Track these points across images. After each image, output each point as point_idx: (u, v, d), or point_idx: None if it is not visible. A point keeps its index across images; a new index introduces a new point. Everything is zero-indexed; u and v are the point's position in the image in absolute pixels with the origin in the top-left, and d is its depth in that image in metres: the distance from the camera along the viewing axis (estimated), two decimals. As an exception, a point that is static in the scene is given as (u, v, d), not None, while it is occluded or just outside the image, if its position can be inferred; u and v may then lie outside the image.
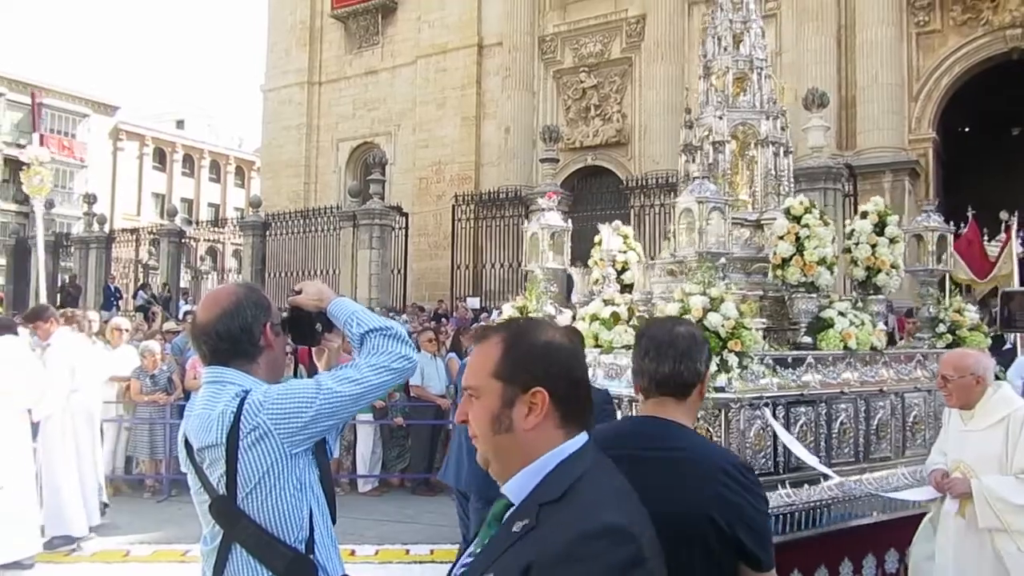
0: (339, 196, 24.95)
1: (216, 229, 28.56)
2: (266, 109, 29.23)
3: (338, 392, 2.22)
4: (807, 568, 4.06)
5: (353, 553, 6.89)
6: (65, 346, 7.42)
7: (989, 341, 6.04)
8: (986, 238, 14.67)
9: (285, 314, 2.46)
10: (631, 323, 4.95)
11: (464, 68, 24.58)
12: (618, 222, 6.44)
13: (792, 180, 5.91)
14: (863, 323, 4.83)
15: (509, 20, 23.48)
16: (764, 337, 4.74)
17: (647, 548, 1.48)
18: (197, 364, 2.08)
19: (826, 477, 4.25)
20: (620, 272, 6.14)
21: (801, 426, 4.33)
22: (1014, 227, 13.06)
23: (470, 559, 1.67)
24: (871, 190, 15.58)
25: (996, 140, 21.84)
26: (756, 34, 5.76)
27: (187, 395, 9.32)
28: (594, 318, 5.08)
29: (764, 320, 4.81)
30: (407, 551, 7.25)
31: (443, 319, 16.59)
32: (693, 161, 5.74)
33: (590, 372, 4.98)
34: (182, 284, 24.39)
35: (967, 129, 21.59)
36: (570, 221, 6.34)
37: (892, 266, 5.25)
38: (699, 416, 3.80)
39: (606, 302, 5.17)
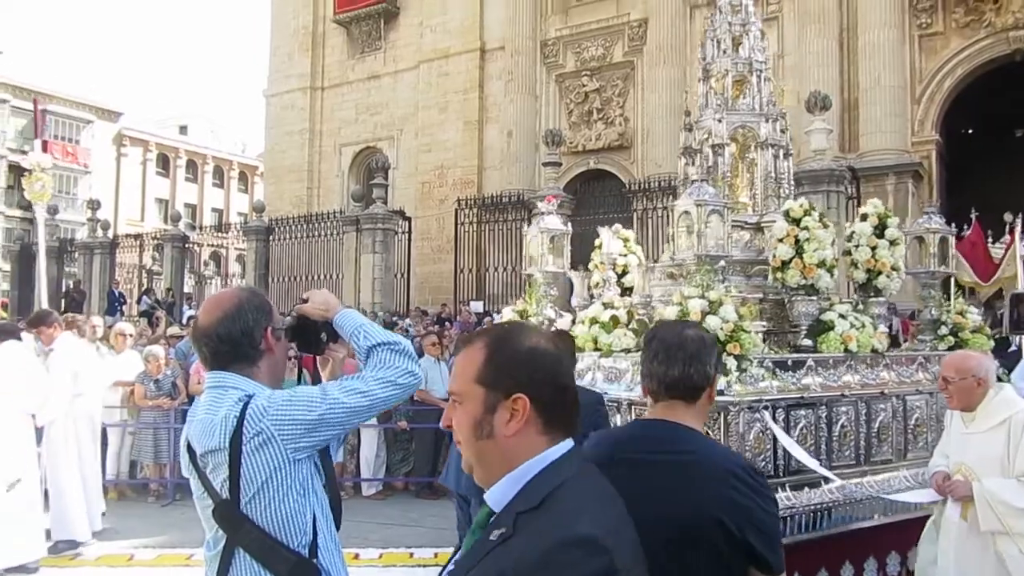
0: (342, 201, 24.98)
1: (220, 234, 28.64)
2: (269, 114, 29.29)
3: (343, 403, 2.22)
4: (808, 571, 4.05)
5: (357, 557, 6.90)
6: (68, 351, 7.44)
7: (992, 343, 6.03)
8: (990, 240, 14.65)
9: (291, 321, 2.46)
10: (630, 326, 4.94)
11: (466, 72, 24.61)
12: (618, 225, 6.44)
13: (792, 182, 5.90)
14: (864, 325, 4.82)
15: (511, 24, 23.50)
16: (764, 340, 4.73)
17: (621, 559, 1.46)
18: (201, 369, 2.09)
19: (827, 480, 4.24)
20: (620, 275, 6.14)
21: (801, 429, 4.32)
22: (1018, 229, 13.02)
23: (452, 566, 1.66)
24: (874, 193, 15.55)
25: (999, 142, 21.81)
26: (755, 37, 5.75)
27: (191, 399, 9.35)
28: (593, 321, 5.07)
29: (764, 323, 4.80)
30: (411, 555, 7.26)
31: (446, 323, 16.60)
32: (693, 164, 5.73)
33: (589, 375, 5.05)
34: (186, 289, 24.44)
35: (970, 131, 21.56)
36: (570, 224, 6.35)
37: (893, 268, 5.24)
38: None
39: (605, 305, 5.16)
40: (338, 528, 2.38)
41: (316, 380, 2.63)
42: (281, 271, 21.75)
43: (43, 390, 6.85)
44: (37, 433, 7.00)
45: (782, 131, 5.77)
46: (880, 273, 5.21)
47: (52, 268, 25.30)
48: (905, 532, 4.37)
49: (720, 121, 5.55)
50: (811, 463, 4.09)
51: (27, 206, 33.47)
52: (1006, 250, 13.52)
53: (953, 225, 6.58)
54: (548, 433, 1.60)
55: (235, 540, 2.18)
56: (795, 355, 4.66)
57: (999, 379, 5.29)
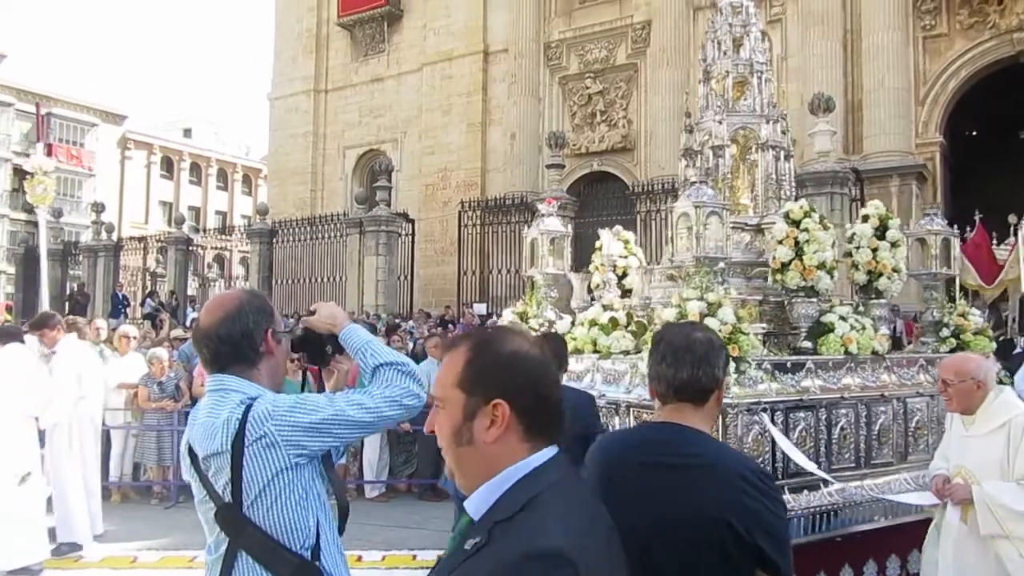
0: (346, 203, 25.01)
1: (223, 237, 28.65)
2: (273, 117, 29.34)
3: (348, 415, 2.23)
4: (807, 574, 4.03)
5: (360, 559, 6.89)
6: (71, 354, 7.46)
7: (994, 345, 6.01)
8: (995, 242, 14.62)
9: (298, 333, 2.48)
10: (629, 328, 4.94)
11: (470, 75, 24.64)
12: (619, 227, 6.43)
13: (794, 184, 5.88)
14: (864, 328, 4.80)
15: (514, 27, 23.52)
16: (764, 342, 4.72)
17: (589, 571, 1.42)
18: (205, 371, 2.11)
19: (826, 483, 4.22)
20: (621, 277, 6.13)
21: (800, 431, 4.30)
22: (1022, 230, 13.01)
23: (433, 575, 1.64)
24: (878, 194, 15.53)
25: (1003, 144, 21.74)
26: (756, 38, 5.74)
27: (194, 402, 9.35)
28: (592, 323, 5.06)
29: (764, 325, 4.79)
30: (414, 557, 7.25)
31: (450, 325, 16.59)
32: (693, 166, 5.72)
33: (588, 377, 5.04)
34: (189, 292, 24.47)
35: (974, 133, 21.52)
36: (570, 226, 6.34)
37: (894, 270, 5.22)
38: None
39: (604, 307, 5.16)
40: (342, 533, 2.39)
41: (321, 383, 2.64)
42: (285, 273, 21.79)
43: (46, 392, 6.86)
44: (40, 435, 7.02)
45: (783, 132, 5.75)
46: (881, 275, 5.19)
47: (56, 271, 25.41)
48: (905, 535, 4.35)
49: (721, 123, 5.53)
50: (809, 466, 4.07)
51: (32, 209, 33.56)
52: (1010, 252, 13.49)
53: (955, 227, 6.56)
54: (529, 440, 1.56)
55: (237, 543, 2.17)
56: (794, 357, 4.64)
57: (1000, 381, 5.28)
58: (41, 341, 7.60)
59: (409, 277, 21.05)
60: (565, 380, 5.01)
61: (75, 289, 24.50)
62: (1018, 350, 10.89)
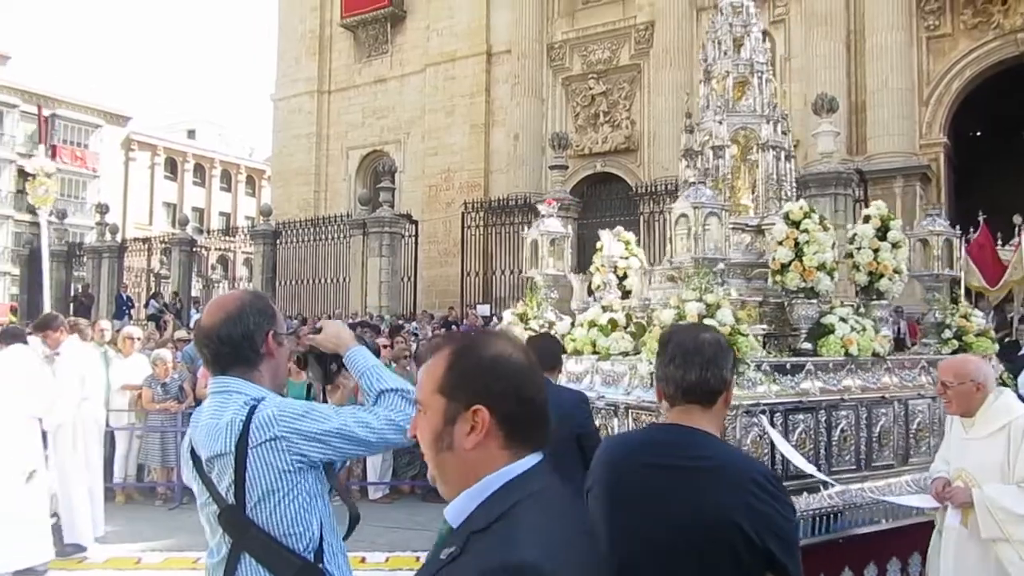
0: (349, 204, 25.04)
1: (227, 238, 28.73)
2: (276, 118, 29.40)
3: (352, 432, 2.24)
4: (807, 577, 4.02)
5: (364, 560, 6.89)
6: (74, 355, 7.48)
7: (996, 347, 5.98)
8: (999, 242, 14.58)
9: (302, 350, 2.50)
10: (628, 330, 4.93)
11: (473, 76, 24.66)
12: (620, 228, 6.41)
13: (794, 184, 5.85)
14: (865, 329, 4.78)
15: (518, 28, 23.54)
16: (764, 343, 4.71)
17: None
18: (208, 372, 2.12)
19: (826, 485, 4.21)
20: (622, 279, 6.12)
21: (800, 433, 4.28)
22: (1027, 231, 12.98)
23: None
24: (882, 195, 15.47)
25: (1008, 144, 21.70)
26: (756, 38, 5.71)
27: (198, 403, 9.36)
28: (592, 324, 5.06)
29: (764, 326, 4.77)
30: (417, 558, 7.23)
31: (453, 326, 16.59)
32: (694, 166, 5.71)
33: (588, 379, 5.03)
34: (193, 293, 24.50)
35: (979, 133, 21.46)
36: (570, 227, 6.33)
37: (895, 271, 5.20)
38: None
39: (604, 308, 5.15)
40: (347, 537, 2.39)
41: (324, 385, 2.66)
42: (288, 274, 21.82)
43: (49, 394, 6.88)
44: (43, 436, 7.04)
45: (783, 133, 5.73)
46: (882, 276, 5.17)
47: (61, 272, 25.47)
48: (906, 537, 4.32)
49: (721, 123, 5.50)
50: (808, 468, 4.05)
51: (36, 210, 33.68)
52: (1015, 253, 13.45)
53: (958, 228, 6.54)
54: (510, 448, 1.52)
55: (241, 545, 2.18)
56: (794, 359, 4.62)
57: (1004, 383, 5.26)
58: (44, 342, 7.62)
59: (412, 278, 21.07)
60: (563, 381, 5.02)
61: (79, 290, 24.56)
62: (1023, 352, 10.84)
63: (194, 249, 24.40)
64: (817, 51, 18.86)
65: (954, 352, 5.40)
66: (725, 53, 5.73)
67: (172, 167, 50.82)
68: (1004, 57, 18.07)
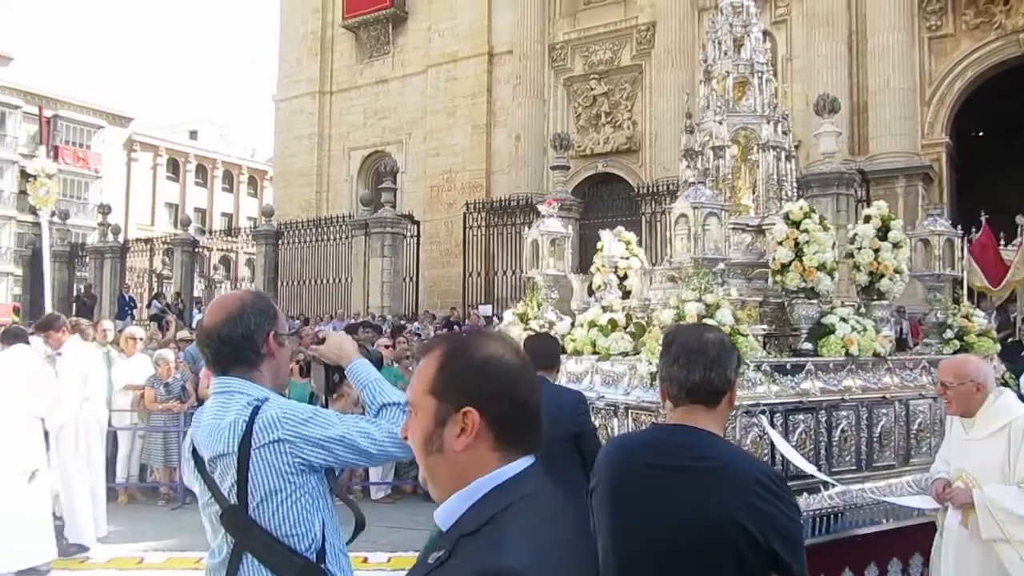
0: (351, 205, 25.04)
1: (229, 238, 28.73)
2: (278, 119, 29.42)
3: (355, 441, 2.24)
4: (807, 578, 4.01)
5: (366, 560, 6.89)
6: (76, 355, 7.49)
7: (998, 347, 5.97)
8: (1002, 242, 14.55)
9: (307, 359, 2.51)
10: (628, 330, 4.92)
11: (474, 76, 24.67)
12: (620, 228, 6.41)
13: (795, 184, 5.85)
14: (865, 329, 4.77)
15: (519, 28, 23.53)
16: (765, 343, 4.71)
17: None
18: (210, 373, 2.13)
19: (826, 485, 4.20)
20: (622, 279, 6.12)
21: (800, 434, 4.28)
22: (1029, 231, 12.96)
23: None
24: (884, 196, 15.47)
25: (1010, 144, 21.67)
26: (756, 38, 5.71)
27: (201, 403, 9.37)
28: (591, 325, 5.05)
29: (764, 326, 4.77)
30: (420, 559, 7.24)
31: (455, 327, 16.59)
32: (694, 167, 5.70)
33: (588, 379, 5.03)
34: (195, 293, 24.52)
35: (981, 134, 21.43)
36: (570, 227, 6.33)
37: (896, 271, 5.19)
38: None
39: (604, 309, 5.15)
40: (351, 542, 2.40)
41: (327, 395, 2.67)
42: (290, 275, 21.84)
43: (52, 393, 6.89)
44: (45, 436, 7.05)
45: (784, 133, 5.72)
46: (883, 276, 5.16)
47: (63, 273, 25.50)
48: (907, 538, 4.31)
49: (721, 123, 5.50)
50: (808, 468, 4.04)
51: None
52: (1017, 252, 13.43)
53: (959, 228, 6.52)
54: (501, 450, 1.49)
55: (243, 545, 2.17)
56: (794, 359, 4.61)
57: (1006, 384, 5.26)
58: (46, 343, 7.64)
59: (414, 279, 21.07)
60: (563, 381, 5.01)
61: (82, 291, 24.58)
62: (1026, 352, 10.82)
63: (196, 250, 24.41)
64: (819, 51, 18.83)
65: (956, 352, 5.39)
66: (725, 53, 5.73)
67: (174, 168, 50.88)
68: (1006, 57, 18.04)
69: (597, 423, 4.54)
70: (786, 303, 4.93)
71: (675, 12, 20.97)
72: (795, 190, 5.81)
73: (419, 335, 14.74)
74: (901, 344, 11.04)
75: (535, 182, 22.22)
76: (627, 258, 6.23)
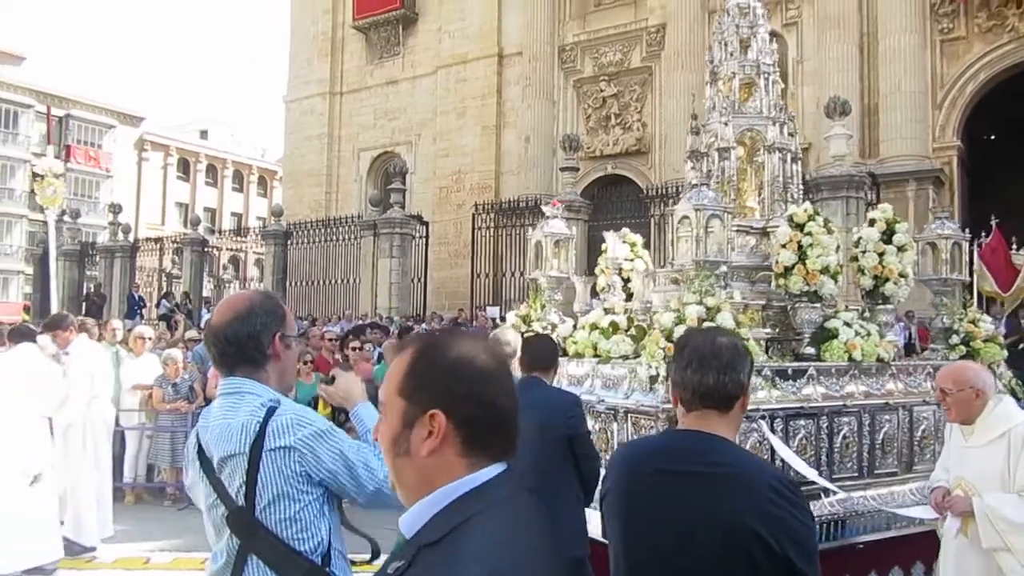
0: (360, 205, 25.09)
1: (238, 238, 28.79)
2: (288, 119, 29.50)
3: (358, 474, 2.24)
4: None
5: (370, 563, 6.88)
6: (84, 354, 7.51)
7: (1005, 353, 5.90)
8: (1014, 247, 14.44)
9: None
10: (628, 332, 4.89)
11: (484, 78, 24.67)
12: (625, 230, 6.39)
13: (800, 187, 5.79)
14: (869, 334, 4.72)
15: (529, 30, 23.52)
16: (768, 347, 4.66)
17: None
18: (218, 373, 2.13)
19: (827, 492, 4.16)
20: (627, 281, 6.08)
21: (800, 439, 4.23)
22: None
23: None
24: (894, 199, 15.41)
25: (1022, 148, 21.51)
26: (763, 39, 5.66)
27: (208, 403, 9.38)
28: (593, 327, 5.02)
29: (767, 330, 4.73)
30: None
31: (463, 328, 16.57)
32: (700, 168, 5.66)
33: (588, 382, 5.01)
34: (205, 293, 24.59)
35: (992, 137, 21.28)
36: (576, 229, 6.31)
37: (900, 275, 5.13)
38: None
39: (606, 311, 5.12)
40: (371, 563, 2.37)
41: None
42: (299, 275, 21.87)
43: (59, 392, 6.90)
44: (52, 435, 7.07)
45: (790, 135, 5.67)
46: (887, 280, 5.11)
47: (73, 272, 25.62)
48: (909, 546, 4.26)
49: (727, 124, 5.46)
50: (810, 474, 3.99)
51: (51, 210, 33.88)
52: (1029, 257, 13.33)
53: (967, 231, 6.46)
54: (468, 456, 1.43)
55: (248, 546, 2.17)
56: (796, 364, 4.56)
57: (1012, 391, 5.20)
58: (54, 341, 7.67)
59: (422, 279, 21.08)
60: (565, 384, 4.98)
61: (91, 290, 24.68)
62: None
63: (206, 249, 24.48)
64: (830, 54, 18.75)
65: (962, 358, 5.32)
66: (731, 54, 5.69)
67: (184, 167, 51.06)
68: (1018, 60, 17.91)
69: (597, 427, 4.51)
70: (789, 307, 4.88)
71: (685, 14, 20.93)
72: (801, 192, 5.75)
73: (426, 336, 14.69)
74: (910, 349, 10.96)
75: (544, 183, 22.19)
76: (631, 260, 6.20)
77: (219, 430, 2.22)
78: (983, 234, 13.54)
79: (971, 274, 6.67)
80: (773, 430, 4.07)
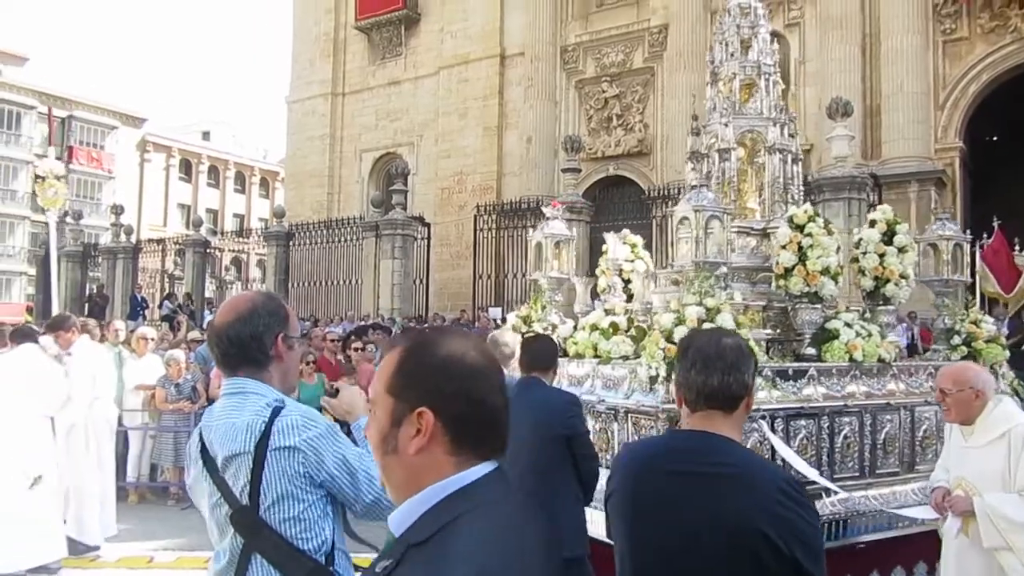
0: (362, 206, 25.08)
1: (240, 239, 28.79)
2: (290, 120, 29.50)
3: (358, 481, 2.24)
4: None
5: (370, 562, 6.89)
6: (86, 355, 7.52)
7: (1007, 354, 5.90)
8: (1016, 248, 14.43)
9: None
10: (629, 333, 4.90)
11: (486, 78, 24.67)
12: (626, 231, 6.38)
13: (801, 188, 5.78)
14: (870, 334, 4.72)
15: (531, 30, 23.51)
16: (768, 348, 4.66)
17: None
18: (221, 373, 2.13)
19: (828, 492, 4.16)
20: (628, 282, 6.08)
21: (801, 440, 4.23)
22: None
23: None
24: (896, 200, 15.40)
25: (1025, 148, 21.49)
26: (764, 40, 5.66)
27: (211, 403, 9.39)
28: (593, 328, 5.03)
29: (768, 331, 4.73)
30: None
31: (465, 329, 16.56)
32: (700, 169, 5.66)
33: (588, 382, 5.01)
34: (207, 294, 24.60)
35: (995, 138, 21.25)
36: (578, 230, 6.32)
37: (901, 276, 5.13)
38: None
39: (606, 312, 5.12)
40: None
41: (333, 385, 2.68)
42: (301, 276, 21.86)
43: (61, 393, 6.92)
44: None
45: (791, 135, 5.67)
46: (888, 281, 5.10)
47: (76, 272, 25.65)
48: (911, 546, 4.26)
49: (727, 125, 5.46)
50: (811, 474, 3.99)
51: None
52: (1030, 258, 13.32)
53: (969, 232, 6.45)
54: (457, 455, 1.42)
55: (252, 546, 2.17)
56: (796, 364, 4.56)
57: (1016, 392, 5.20)
58: (56, 342, 7.68)
59: (424, 281, 21.07)
60: (566, 384, 4.99)
61: (94, 291, 24.71)
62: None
63: (208, 250, 24.47)
64: (832, 54, 18.73)
65: (964, 359, 5.32)
66: (732, 55, 5.68)
67: (187, 168, 51.09)
68: (1021, 61, 17.86)
69: (597, 427, 4.51)
70: (790, 308, 4.87)
71: (687, 14, 20.91)
72: (802, 193, 5.74)
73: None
74: (912, 350, 10.96)
75: (546, 184, 22.18)
76: (632, 261, 6.20)
77: (224, 429, 2.22)
78: (985, 235, 13.52)
79: (973, 275, 6.64)
80: (774, 430, 4.07)
